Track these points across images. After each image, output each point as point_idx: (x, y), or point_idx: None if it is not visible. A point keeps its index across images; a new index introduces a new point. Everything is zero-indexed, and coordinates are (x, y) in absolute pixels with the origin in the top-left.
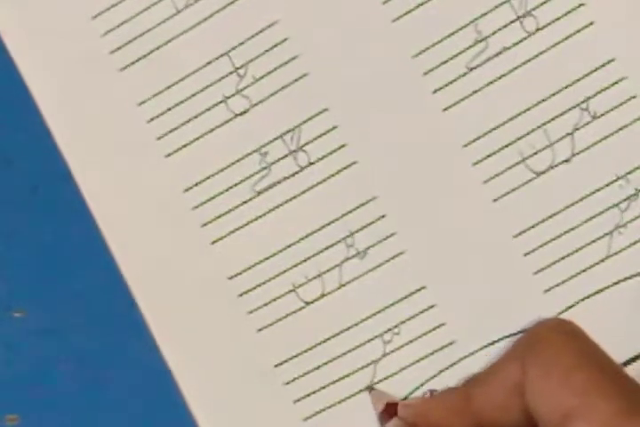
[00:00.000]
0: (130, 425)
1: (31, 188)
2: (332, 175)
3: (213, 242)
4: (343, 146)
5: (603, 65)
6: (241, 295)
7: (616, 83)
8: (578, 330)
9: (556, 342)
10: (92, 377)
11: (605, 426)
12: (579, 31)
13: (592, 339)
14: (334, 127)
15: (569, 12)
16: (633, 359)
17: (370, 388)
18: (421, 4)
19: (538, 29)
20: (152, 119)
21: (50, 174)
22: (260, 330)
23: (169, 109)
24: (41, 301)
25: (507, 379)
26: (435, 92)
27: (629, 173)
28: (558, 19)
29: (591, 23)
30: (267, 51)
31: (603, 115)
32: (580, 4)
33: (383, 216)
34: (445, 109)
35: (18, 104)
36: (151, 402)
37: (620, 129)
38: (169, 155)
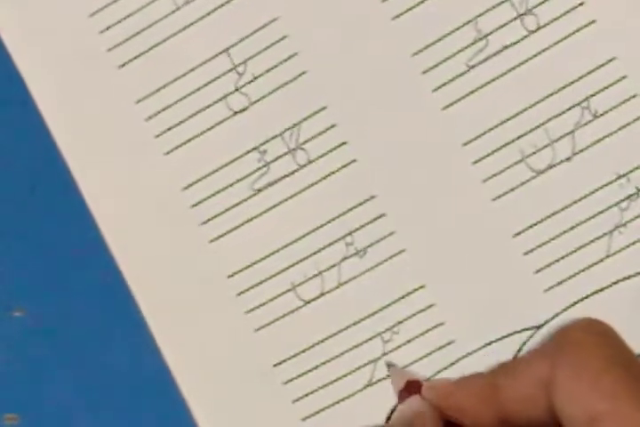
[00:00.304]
0: (129, 425)
1: (30, 187)
2: (332, 173)
3: (212, 240)
4: (342, 144)
5: (603, 64)
6: (239, 294)
7: (617, 81)
8: (610, 331)
9: (587, 343)
10: (91, 377)
11: None
12: (579, 30)
13: (623, 340)
14: (333, 125)
15: (569, 10)
16: None
17: (389, 364)
18: (421, 2)
19: (538, 28)
20: (150, 117)
21: (48, 173)
22: (258, 329)
23: (167, 107)
24: (41, 301)
25: (534, 375)
26: (434, 90)
27: (630, 172)
28: (559, 17)
29: (592, 22)
30: (266, 48)
31: (603, 114)
32: (581, 3)
33: (382, 215)
34: (445, 108)
35: (16, 102)
36: (151, 401)
37: (621, 128)
38: (167, 153)
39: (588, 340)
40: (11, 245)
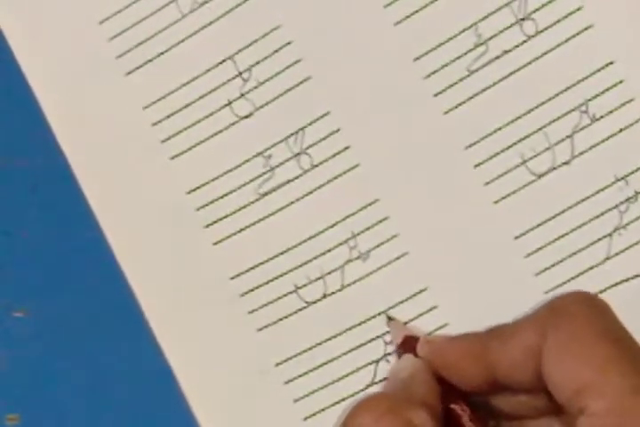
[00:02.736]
0: (130, 425)
1: (31, 188)
2: (335, 178)
3: (216, 243)
4: (346, 149)
5: (601, 68)
6: (243, 295)
7: (614, 85)
8: (605, 306)
9: (580, 315)
10: (92, 377)
11: (618, 404)
12: (577, 34)
13: (617, 317)
14: (337, 130)
15: (567, 15)
16: None
17: (389, 317)
18: (422, 8)
19: (537, 32)
20: (157, 122)
21: (51, 175)
22: (260, 329)
23: (174, 113)
24: (41, 301)
25: (524, 342)
26: (436, 95)
27: (628, 175)
28: (557, 22)
29: (590, 26)
30: (270, 55)
31: (602, 117)
32: (579, 8)
33: (385, 218)
34: (446, 112)
35: (22, 106)
36: (152, 401)
37: (619, 131)
38: (174, 157)
39: (582, 312)
40: (12, 245)
